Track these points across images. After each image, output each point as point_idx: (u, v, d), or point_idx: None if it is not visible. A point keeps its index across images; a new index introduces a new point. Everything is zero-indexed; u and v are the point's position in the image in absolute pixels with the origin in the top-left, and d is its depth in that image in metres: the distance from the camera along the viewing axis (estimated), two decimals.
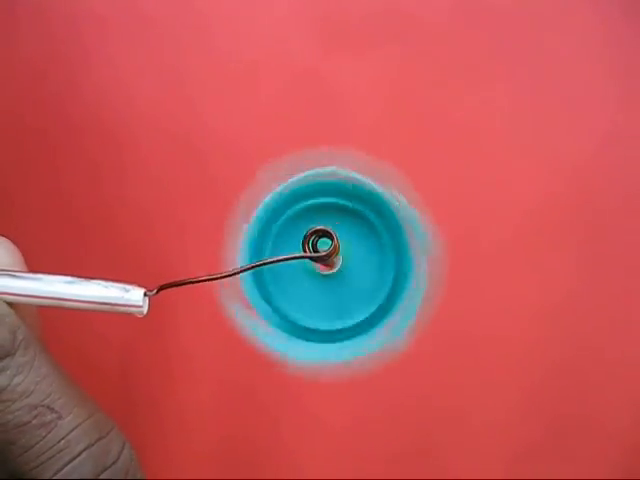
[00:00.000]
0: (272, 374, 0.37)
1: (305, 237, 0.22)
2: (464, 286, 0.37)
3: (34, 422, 0.22)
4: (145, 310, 0.23)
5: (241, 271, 0.22)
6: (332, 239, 0.22)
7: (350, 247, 0.24)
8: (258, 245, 0.24)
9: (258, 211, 0.24)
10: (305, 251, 0.22)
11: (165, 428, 0.37)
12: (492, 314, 0.37)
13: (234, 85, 0.37)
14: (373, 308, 0.24)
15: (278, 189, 0.23)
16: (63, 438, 0.22)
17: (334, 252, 0.22)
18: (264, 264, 0.22)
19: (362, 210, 0.24)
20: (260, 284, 0.23)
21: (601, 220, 0.37)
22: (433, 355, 0.37)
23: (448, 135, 0.37)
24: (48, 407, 0.22)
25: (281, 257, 0.22)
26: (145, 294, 0.23)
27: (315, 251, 0.22)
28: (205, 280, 0.22)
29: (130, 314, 0.23)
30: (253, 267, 0.22)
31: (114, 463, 0.23)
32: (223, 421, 0.37)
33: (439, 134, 0.37)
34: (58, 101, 0.37)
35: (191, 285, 0.24)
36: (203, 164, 0.37)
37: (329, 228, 0.22)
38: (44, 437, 0.22)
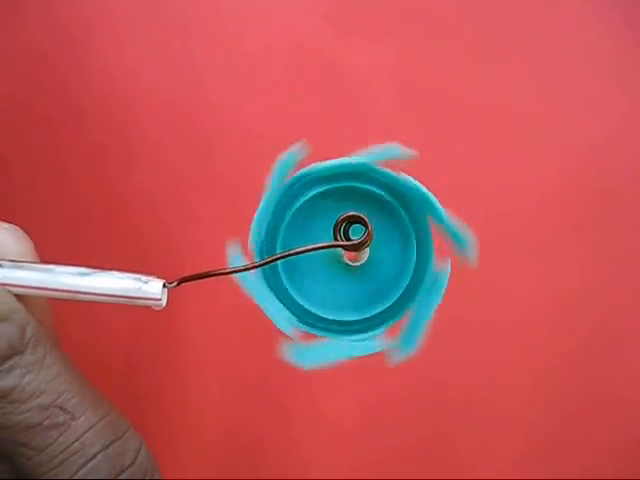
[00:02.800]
0: (281, 369, 0.36)
1: (336, 224, 0.21)
2: (476, 278, 0.36)
3: (45, 423, 0.21)
4: (164, 303, 0.22)
5: (266, 263, 0.20)
6: (366, 226, 0.20)
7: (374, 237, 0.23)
8: (270, 233, 0.22)
9: (269, 197, 0.22)
10: (337, 239, 0.20)
11: (172, 423, 0.36)
12: (504, 306, 0.37)
13: (243, 70, 0.36)
14: (392, 301, 0.22)
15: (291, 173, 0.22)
16: (77, 440, 0.21)
17: (368, 240, 0.20)
18: (294, 254, 0.20)
19: (384, 196, 0.23)
20: (271, 275, 0.22)
21: (612, 210, 0.36)
22: (444, 349, 0.36)
23: (459, 120, 0.36)
24: (60, 407, 0.21)
25: (312, 246, 0.20)
26: (164, 285, 0.22)
27: (347, 239, 0.20)
28: (229, 272, 0.21)
29: (148, 307, 0.22)
30: (280, 258, 0.20)
31: (132, 464, 0.21)
32: (230, 416, 0.36)
33: (450, 119, 0.36)
34: (65, 88, 0.36)
35: (201, 280, 0.23)
36: (212, 150, 0.36)
37: (362, 214, 0.21)
38: (57, 439, 0.21)
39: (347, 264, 0.22)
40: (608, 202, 0.36)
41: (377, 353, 0.22)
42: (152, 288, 0.21)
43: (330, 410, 0.37)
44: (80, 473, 0.21)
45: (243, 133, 0.36)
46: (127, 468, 0.21)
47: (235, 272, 0.21)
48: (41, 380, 0.21)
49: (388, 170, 0.22)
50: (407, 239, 0.22)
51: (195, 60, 0.36)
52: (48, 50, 0.35)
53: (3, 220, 0.22)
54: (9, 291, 0.21)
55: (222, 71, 0.36)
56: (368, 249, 0.22)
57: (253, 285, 0.21)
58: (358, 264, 0.22)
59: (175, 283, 0.21)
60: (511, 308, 0.37)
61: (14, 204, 0.36)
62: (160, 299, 0.22)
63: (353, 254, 0.21)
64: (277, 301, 0.22)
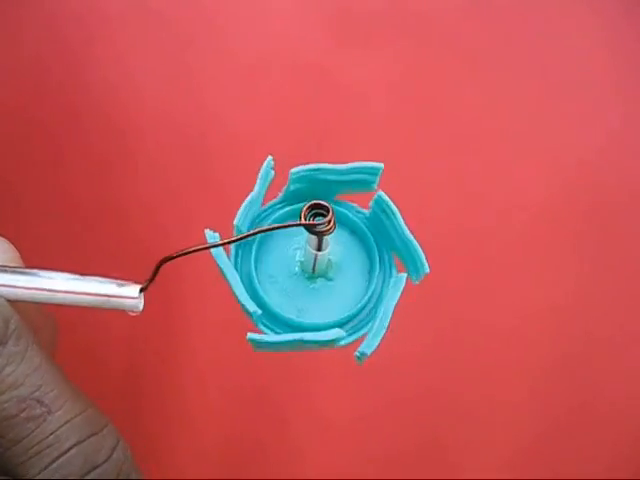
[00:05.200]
0: (279, 373, 0.36)
1: (301, 210, 0.21)
2: (473, 282, 0.35)
3: (22, 415, 0.21)
4: (141, 306, 0.22)
5: (233, 241, 0.21)
6: (328, 211, 0.21)
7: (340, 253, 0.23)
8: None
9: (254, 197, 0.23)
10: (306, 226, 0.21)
11: (171, 425, 0.36)
12: (500, 313, 0.36)
13: (242, 79, 0.37)
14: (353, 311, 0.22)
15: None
16: (52, 433, 0.21)
17: (331, 221, 0.21)
18: (259, 232, 0.21)
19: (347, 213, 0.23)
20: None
21: (608, 220, 0.35)
22: (441, 353, 0.35)
23: (456, 132, 0.36)
24: (38, 400, 0.21)
25: (278, 225, 0.21)
26: (141, 290, 0.22)
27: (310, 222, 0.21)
28: (199, 249, 0.21)
29: (125, 310, 0.22)
30: (248, 236, 0.21)
31: (105, 461, 0.21)
32: (230, 420, 0.36)
33: (447, 130, 0.36)
34: (64, 97, 0.37)
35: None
36: (210, 159, 0.37)
37: (325, 202, 0.21)
38: (32, 431, 0.21)
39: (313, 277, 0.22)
40: (604, 212, 0.35)
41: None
42: (129, 291, 0.22)
43: (330, 413, 0.36)
44: (52, 466, 0.21)
45: (241, 142, 0.36)
46: (101, 464, 0.21)
47: (205, 248, 0.21)
48: (21, 372, 0.21)
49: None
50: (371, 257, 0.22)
51: (194, 70, 0.36)
52: (48, 59, 0.37)
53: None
54: None
55: (220, 81, 0.36)
56: (330, 245, 0.22)
57: (231, 277, 0.22)
58: (322, 256, 0.22)
59: (148, 282, 0.22)
60: (507, 315, 0.36)
61: (16, 210, 0.37)
62: (137, 298, 0.22)
63: (316, 241, 0.21)
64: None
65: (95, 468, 0.21)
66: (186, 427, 0.36)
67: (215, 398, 0.36)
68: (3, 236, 0.23)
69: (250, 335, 0.21)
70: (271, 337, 0.21)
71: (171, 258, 0.22)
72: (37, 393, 0.21)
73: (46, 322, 0.25)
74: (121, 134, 0.37)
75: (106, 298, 0.22)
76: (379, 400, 0.36)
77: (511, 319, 0.36)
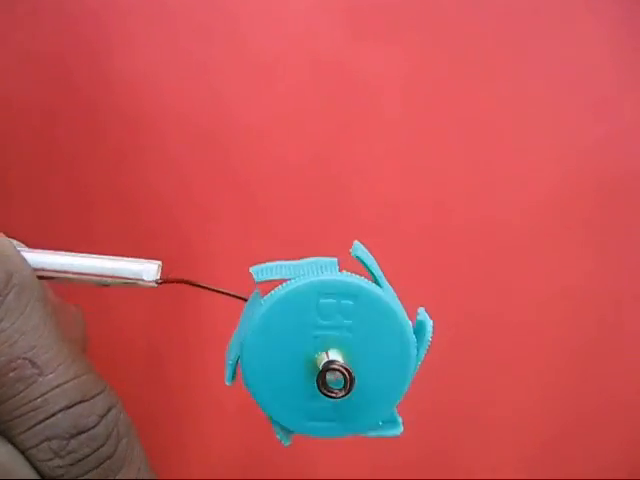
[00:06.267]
0: None
1: (319, 375, 0.19)
2: (481, 276, 0.36)
3: (12, 375, 0.20)
4: (155, 278, 0.22)
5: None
6: (347, 378, 0.19)
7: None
8: None
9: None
10: (321, 391, 0.19)
11: (184, 435, 0.37)
12: (508, 303, 0.36)
13: (256, 72, 0.36)
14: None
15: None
16: (41, 396, 0.21)
17: (347, 394, 0.19)
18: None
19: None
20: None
21: (616, 205, 0.36)
22: (450, 349, 0.36)
23: (468, 123, 0.36)
24: (30, 361, 0.21)
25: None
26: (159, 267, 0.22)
27: (324, 386, 0.19)
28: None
29: (139, 284, 0.22)
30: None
31: (93, 427, 0.21)
32: (243, 430, 0.37)
33: (460, 122, 0.36)
34: (80, 89, 0.36)
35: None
36: (225, 151, 0.36)
37: (346, 366, 0.19)
38: (20, 392, 0.21)
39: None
40: (612, 197, 0.36)
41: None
42: (145, 266, 0.22)
43: None
44: (38, 427, 0.21)
45: (256, 135, 0.36)
46: (89, 429, 0.21)
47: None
48: (16, 329, 0.20)
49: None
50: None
51: (209, 63, 0.35)
52: (64, 51, 0.35)
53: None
54: None
55: (236, 74, 0.35)
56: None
57: None
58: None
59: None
60: (515, 305, 0.36)
61: (31, 202, 0.36)
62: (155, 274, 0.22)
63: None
64: None
65: (82, 433, 0.21)
66: (198, 439, 0.37)
67: (229, 410, 0.37)
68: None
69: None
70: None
71: (193, 284, 0.22)
72: (30, 353, 0.21)
73: (75, 318, 0.25)
74: (136, 127, 0.35)
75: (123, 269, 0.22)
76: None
77: (521, 309, 0.36)
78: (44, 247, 0.22)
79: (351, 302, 0.20)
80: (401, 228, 0.36)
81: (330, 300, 0.20)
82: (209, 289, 0.22)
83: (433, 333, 0.21)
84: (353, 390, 0.19)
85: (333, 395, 0.19)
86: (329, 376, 0.19)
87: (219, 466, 0.38)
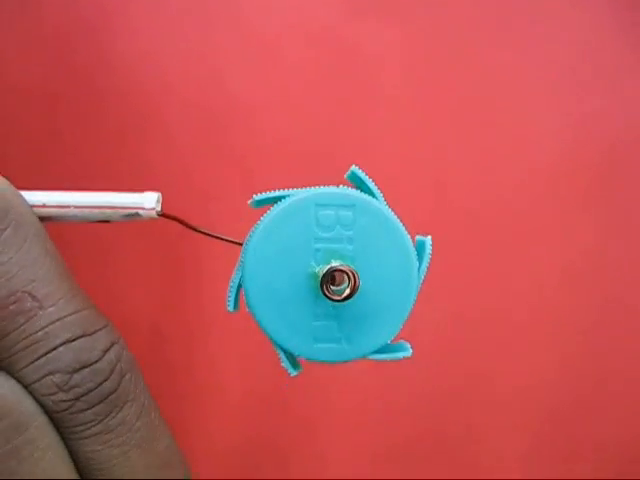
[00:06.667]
0: (301, 375, 0.37)
1: (323, 277, 0.19)
2: (481, 253, 0.35)
3: (12, 308, 0.20)
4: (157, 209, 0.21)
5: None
6: (351, 279, 0.19)
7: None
8: None
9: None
10: (324, 293, 0.19)
11: (189, 427, 0.37)
12: (509, 281, 0.36)
13: (258, 53, 0.37)
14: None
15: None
16: (42, 329, 0.20)
17: (351, 295, 0.19)
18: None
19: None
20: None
21: (620, 178, 0.36)
22: (451, 328, 0.35)
23: (469, 100, 0.36)
24: (30, 294, 0.20)
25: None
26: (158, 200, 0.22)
27: (329, 288, 0.19)
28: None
29: (139, 216, 0.22)
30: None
31: (96, 362, 0.21)
32: (248, 422, 0.37)
33: (460, 99, 0.36)
34: (82, 70, 0.36)
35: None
36: (226, 131, 0.37)
37: (349, 268, 0.19)
38: (21, 325, 0.20)
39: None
40: (612, 171, 0.36)
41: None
42: (145, 196, 0.22)
43: (349, 410, 0.37)
44: (40, 361, 0.20)
45: (257, 114, 0.36)
46: (92, 364, 0.21)
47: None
48: (14, 263, 0.20)
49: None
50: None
51: (210, 44, 0.36)
52: (65, 34, 0.36)
53: None
54: None
55: (237, 56, 0.36)
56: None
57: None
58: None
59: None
60: (515, 284, 0.36)
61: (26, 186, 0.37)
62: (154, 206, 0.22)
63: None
64: None
65: (84, 367, 0.21)
66: (203, 428, 0.37)
67: (233, 400, 0.37)
68: None
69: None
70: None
71: (190, 227, 0.22)
72: (29, 287, 0.20)
73: None
74: (137, 108, 0.36)
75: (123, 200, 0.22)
76: (402, 398, 0.36)
77: (522, 288, 0.36)
78: None
79: (350, 213, 0.20)
80: (401, 204, 0.36)
81: (329, 212, 0.20)
82: (206, 234, 0.22)
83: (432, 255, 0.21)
84: (357, 292, 0.19)
85: (338, 298, 0.19)
86: (333, 278, 0.19)
87: (222, 451, 0.37)
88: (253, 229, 0.20)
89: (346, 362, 0.21)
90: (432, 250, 0.21)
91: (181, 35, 0.36)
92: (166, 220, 0.22)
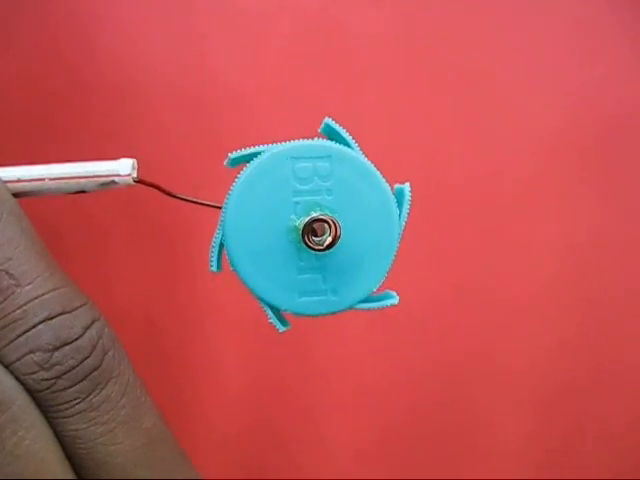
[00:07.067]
0: (299, 361, 0.36)
1: (304, 227, 0.19)
2: (481, 230, 0.35)
3: None
4: (133, 175, 0.21)
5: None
6: (332, 227, 0.19)
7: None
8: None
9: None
10: (306, 243, 0.20)
11: (188, 414, 0.37)
12: (515, 259, 0.35)
13: (245, 36, 0.36)
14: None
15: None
16: (20, 307, 0.20)
17: (332, 244, 0.19)
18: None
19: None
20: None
21: (621, 154, 0.35)
22: (457, 304, 0.35)
23: (463, 76, 0.36)
24: (7, 272, 0.20)
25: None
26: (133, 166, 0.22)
27: (309, 239, 0.20)
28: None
29: (116, 184, 0.21)
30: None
31: (77, 339, 0.20)
32: (246, 409, 0.36)
33: (455, 75, 0.36)
34: (69, 61, 0.36)
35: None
36: (214, 117, 0.36)
37: (330, 217, 0.19)
38: None
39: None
40: (613, 146, 0.35)
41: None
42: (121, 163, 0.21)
43: (350, 397, 0.36)
44: (20, 340, 0.20)
45: (248, 99, 0.36)
46: (72, 341, 0.20)
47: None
48: None
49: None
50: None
51: (196, 29, 0.36)
52: (49, 25, 0.36)
53: None
54: None
55: (223, 39, 0.36)
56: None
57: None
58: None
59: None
60: (522, 260, 0.35)
61: None
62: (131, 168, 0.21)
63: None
64: None
65: (65, 345, 0.20)
66: (202, 417, 0.37)
67: (233, 389, 0.36)
68: None
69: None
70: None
71: (166, 192, 0.22)
72: (6, 265, 0.20)
73: None
74: (123, 96, 0.36)
75: (94, 175, 0.21)
76: (401, 382, 0.36)
77: (525, 263, 0.36)
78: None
79: (327, 164, 0.20)
80: (398, 180, 0.36)
81: (305, 164, 0.20)
82: (183, 199, 0.22)
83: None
84: (339, 240, 0.19)
85: (320, 248, 0.19)
86: (314, 228, 0.19)
87: (222, 439, 0.36)
88: (231, 188, 0.20)
89: (333, 314, 0.21)
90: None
91: (168, 25, 0.36)
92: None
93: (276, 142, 0.21)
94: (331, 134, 0.21)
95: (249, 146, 0.21)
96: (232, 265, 0.20)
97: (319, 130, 0.21)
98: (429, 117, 0.36)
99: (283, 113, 0.36)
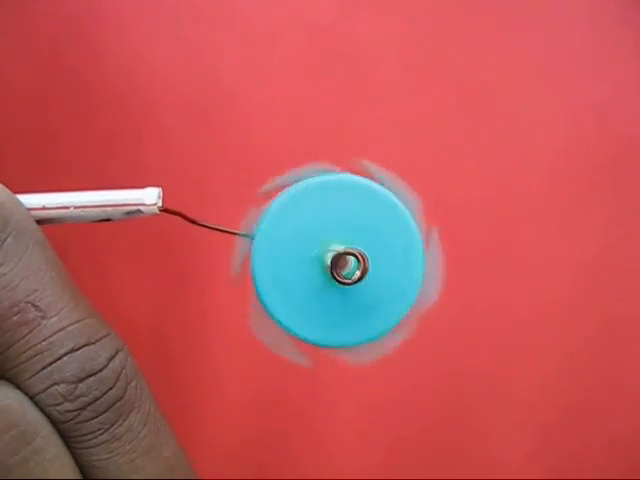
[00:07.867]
0: (305, 375, 0.36)
1: (333, 260, 0.19)
2: (490, 247, 0.35)
3: (15, 319, 0.20)
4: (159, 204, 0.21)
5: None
6: (361, 262, 0.19)
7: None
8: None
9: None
10: (334, 276, 0.20)
11: (192, 428, 0.37)
12: (524, 276, 0.35)
13: (252, 47, 0.36)
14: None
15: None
16: (46, 339, 0.20)
17: (361, 278, 0.19)
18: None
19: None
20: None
21: (627, 170, 0.35)
22: (464, 320, 0.35)
23: (470, 89, 0.36)
24: (33, 304, 0.20)
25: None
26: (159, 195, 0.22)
27: (337, 272, 0.20)
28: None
29: (141, 213, 0.21)
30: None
31: (101, 370, 0.20)
32: (251, 420, 0.36)
33: (461, 88, 0.36)
34: (76, 71, 0.36)
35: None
36: (221, 127, 0.36)
37: (359, 251, 0.19)
38: (25, 336, 0.20)
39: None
40: (619, 163, 0.35)
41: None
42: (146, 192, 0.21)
43: (352, 405, 0.36)
44: (45, 372, 0.20)
45: (253, 108, 0.36)
46: (97, 372, 0.20)
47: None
48: (16, 273, 0.20)
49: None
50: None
51: (203, 38, 0.36)
52: (54, 32, 0.36)
53: None
54: None
55: (231, 50, 0.36)
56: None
57: None
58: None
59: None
60: (528, 276, 0.35)
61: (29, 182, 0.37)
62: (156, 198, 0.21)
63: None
64: None
65: (90, 376, 0.20)
66: (206, 427, 0.37)
67: (236, 399, 0.37)
68: None
69: None
70: None
71: (190, 220, 0.22)
72: (32, 297, 0.20)
73: None
74: (128, 105, 0.35)
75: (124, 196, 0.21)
76: (406, 393, 0.36)
77: (533, 280, 0.36)
78: None
79: (357, 199, 0.21)
80: None
81: (336, 197, 0.21)
82: (207, 227, 0.22)
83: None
84: (367, 275, 0.20)
85: (348, 281, 0.19)
86: (342, 262, 0.20)
87: (227, 450, 0.36)
88: (261, 217, 0.21)
89: (351, 348, 0.21)
90: (439, 241, 0.21)
91: (175, 32, 0.35)
92: (165, 219, 0.22)
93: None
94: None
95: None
96: (257, 293, 0.21)
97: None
98: (438, 131, 0.36)
99: (290, 124, 0.36)
